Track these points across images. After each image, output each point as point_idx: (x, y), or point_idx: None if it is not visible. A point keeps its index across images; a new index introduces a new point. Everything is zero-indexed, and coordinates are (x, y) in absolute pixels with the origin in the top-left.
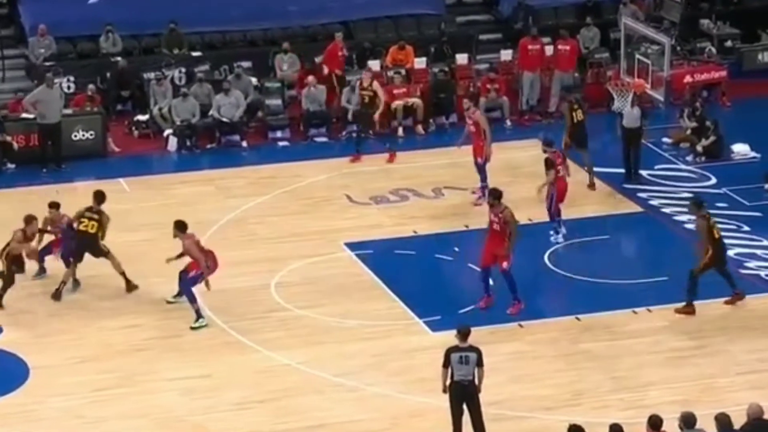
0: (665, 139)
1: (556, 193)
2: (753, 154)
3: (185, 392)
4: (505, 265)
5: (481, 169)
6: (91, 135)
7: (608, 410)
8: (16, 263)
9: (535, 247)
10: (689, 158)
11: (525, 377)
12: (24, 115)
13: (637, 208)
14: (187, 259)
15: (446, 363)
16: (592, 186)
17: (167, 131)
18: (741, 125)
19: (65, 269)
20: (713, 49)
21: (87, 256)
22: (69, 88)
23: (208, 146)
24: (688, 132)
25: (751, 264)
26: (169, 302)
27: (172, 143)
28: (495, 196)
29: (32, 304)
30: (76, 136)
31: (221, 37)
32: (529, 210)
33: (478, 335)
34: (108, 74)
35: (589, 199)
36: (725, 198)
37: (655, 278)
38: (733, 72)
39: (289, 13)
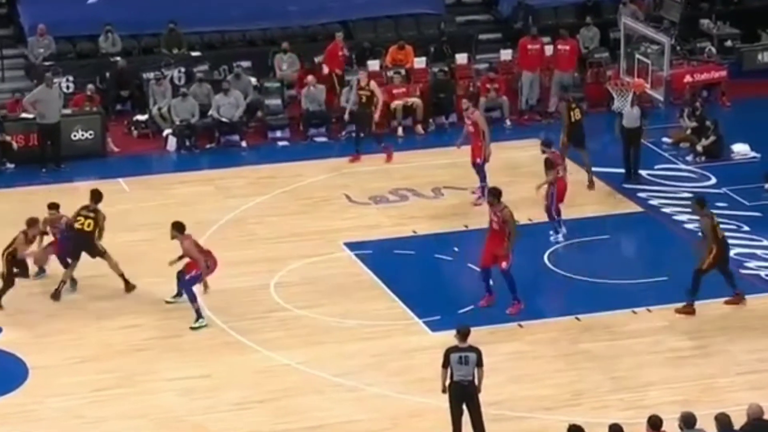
0: (665, 139)
1: (556, 193)
2: (753, 154)
3: (185, 392)
4: (504, 265)
5: (480, 169)
6: (90, 135)
7: (608, 410)
8: (20, 267)
9: (535, 247)
10: (689, 158)
11: (525, 377)
12: (23, 114)
13: (637, 208)
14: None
15: (446, 363)
16: (591, 185)
17: (166, 131)
18: (741, 125)
19: (64, 269)
20: (713, 49)
21: (84, 255)
22: (68, 87)
23: (208, 146)
24: (688, 132)
25: (751, 264)
26: (168, 302)
27: (172, 143)
28: (494, 194)
29: (31, 304)
30: (75, 135)
31: (220, 36)
32: (528, 210)
33: (477, 335)
34: (107, 74)
35: (589, 199)
36: (725, 198)
37: (655, 278)
38: (733, 72)
39: (288, 12)
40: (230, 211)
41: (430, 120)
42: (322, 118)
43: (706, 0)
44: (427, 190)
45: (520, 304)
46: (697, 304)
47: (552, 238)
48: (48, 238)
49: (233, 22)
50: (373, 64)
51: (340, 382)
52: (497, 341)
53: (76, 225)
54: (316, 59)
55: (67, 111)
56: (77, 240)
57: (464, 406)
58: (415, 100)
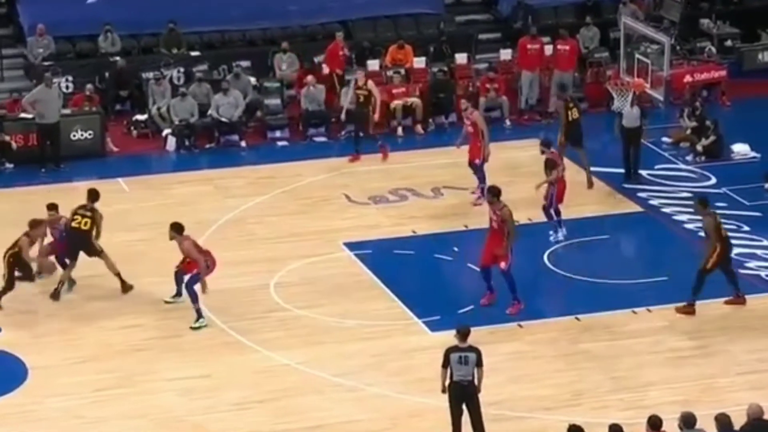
0: (665, 139)
1: (556, 194)
2: (753, 153)
3: (185, 392)
4: (503, 265)
5: (479, 169)
6: (89, 135)
7: (608, 410)
8: (24, 270)
9: (535, 247)
10: (689, 158)
11: (525, 377)
12: (23, 114)
13: (637, 208)
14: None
15: (445, 363)
16: (590, 185)
17: (166, 131)
18: (741, 125)
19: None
20: (713, 49)
21: (83, 256)
22: (67, 87)
23: (207, 146)
24: (688, 132)
25: (751, 264)
26: (167, 302)
27: (171, 143)
28: (493, 193)
29: (31, 304)
30: (74, 135)
31: (220, 36)
32: (528, 210)
33: (477, 335)
34: (107, 74)
35: (589, 198)
36: (725, 198)
37: (655, 278)
38: (733, 72)
39: (288, 12)
40: (230, 211)
41: (430, 120)
42: (321, 118)
43: (706, 0)
44: (426, 190)
45: (520, 304)
46: (697, 304)
47: (552, 238)
48: (47, 239)
49: (233, 21)
50: (373, 64)
51: (340, 382)
52: (497, 341)
53: (73, 224)
54: (316, 59)
55: (67, 111)
56: (74, 239)
57: (464, 406)
58: (415, 100)
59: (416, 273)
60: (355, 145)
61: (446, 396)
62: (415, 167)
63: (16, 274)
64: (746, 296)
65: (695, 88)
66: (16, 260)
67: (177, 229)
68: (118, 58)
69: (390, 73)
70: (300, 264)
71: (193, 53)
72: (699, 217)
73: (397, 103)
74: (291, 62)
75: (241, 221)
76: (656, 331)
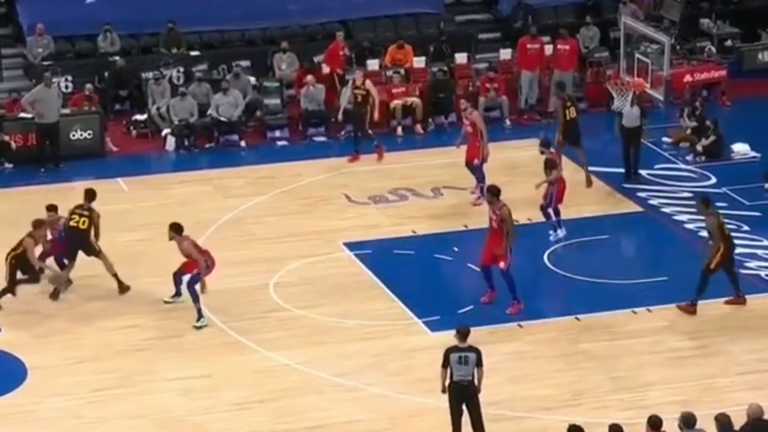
0: (665, 139)
1: (556, 193)
2: (753, 153)
3: (184, 392)
4: (502, 265)
5: (478, 169)
6: (89, 134)
7: (608, 410)
8: (30, 273)
9: (535, 247)
10: (689, 158)
11: (525, 377)
12: (22, 114)
13: (637, 208)
14: (183, 259)
15: (445, 363)
16: (589, 183)
17: (165, 131)
18: (741, 125)
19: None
20: (713, 49)
21: (81, 256)
22: (67, 87)
23: (207, 146)
24: (688, 131)
25: (752, 264)
26: (166, 302)
27: (171, 143)
28: (493, 193)
29: (30, 304)
30: (74, 135)
31: (220, 36)
32: (528, 210)
33: (477, 335)
34: (106, 74)
35: (589, 198)
36: (725, 198)
37: (655, 278)
38: (733, 71)
39: (288, 12)
40: (229, 210)
41: (430, 120)
42: (321, 118)
43: (706, 0)
44: (426, 189)
45: (520, 304)
46: (698, 304)
47: (552, 237)
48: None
49: (232, 21)
50: (373, 64)
51: (340, 382)
52: (497, 341)
53: (71, 223)
54: (316, 59)
55: (66, 111)
56: (72, 238)
57: (464, 406)
58: (415, 100)
59: (416, 273)
60: (355, 145)
61: (446, 396)
62: (414, 167)
63: (23, 276)
64: (746, 296)
65: (695, 87)
66: (19, 262)
67: (176, 229)
68: (117, 57)
69: (390, 72)
70: (300, 264)
71: (193, 53)
72: (699, 217)
73: (396, 103)
74: (291, 62)
75: (241, 221)
76: (656, 331)
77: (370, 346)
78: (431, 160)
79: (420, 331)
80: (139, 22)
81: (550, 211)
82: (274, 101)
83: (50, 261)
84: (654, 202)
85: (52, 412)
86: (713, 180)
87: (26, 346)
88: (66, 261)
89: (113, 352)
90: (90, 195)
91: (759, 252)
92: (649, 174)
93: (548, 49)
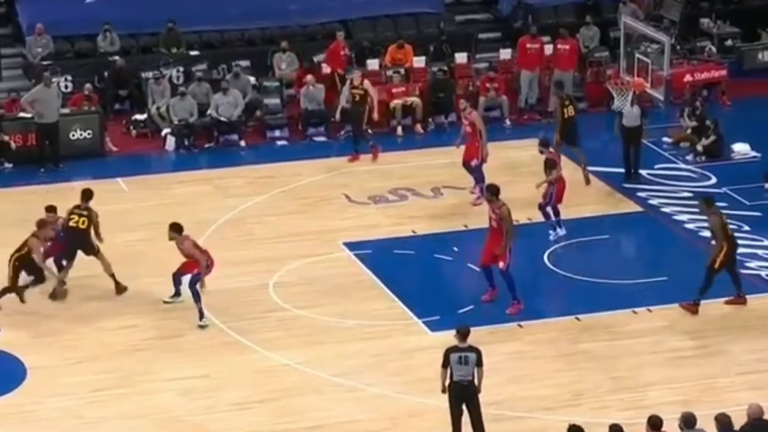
0: (665, 139)
1: (556, 193)
2: (753, 153)
3: (184, 392)
4: (501, 264)
5: (477, 170)
6: (88, 134)
7: (608, 410)
8: (36, 274)
9: (535, 247)
10: (689, 157)
11: (525, 377)
12: (21, 114)
13: (637, 208)
14: (182, 259)
15: (445, 363)
16: (587, 181)
17: (165, 130)
18: (741, 124)
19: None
20: (713, 48)
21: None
22: (66, 87)
23: (206, 145)
24: (688, 131)
25: (752, 264)
26: (165, 302)
27: (170, 143)
28: (492, 192)
29: (29, 304)
30: (73, 135)
31: (219, 36)
32: (528, 210)
33: (477, 335)
34: (106, 73)
35: (589, 198)
36: (725, 197)
37: (655, 278)
38: (734, 71)
39: (287, 12)
40: (229, 210)
41: (430, 119)
42: (321, 118)
43: None
44: (426, 189)
45: (520, 304)
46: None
47: (551, 237)
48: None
49: (232, 21)
50: (373, 64)
51: (340, 382)
52: (497, 341)
53: (71, 224)
54: (316, 58)
55: (66, 110)
56: (72, 238)
57: (464, 406)
58: (415, 100)
59: (416, 273)
60: (355, 145)
61: (446, 396)
62: (414, 167)
63: (29, 278)
64: (747, 296)
65: (695, 87)
66: (23, 263)
67: (176, 229)
68: (117, 57)
69: (390, 72)
70: (299, 264)
71: (193, 53)
72: (699, 217)
73: (396, 103)
74: (290, 62)
75: (241, 221)
76: (656, 331)
77: (370, 346)
78: (431, 160)
79: (420, 331)
80: (139, 22)
81: (549, 209)
82: (273, 101)
83: (49, 261)
84: (654, 201)
85: (52, 412)
86: (713, 180)
87: (26, 346)
88: (65, 261)
89: (113, 352)
90: (87, 195)
91: (759, 252)
92: (649, 174)
93: (548, 49)
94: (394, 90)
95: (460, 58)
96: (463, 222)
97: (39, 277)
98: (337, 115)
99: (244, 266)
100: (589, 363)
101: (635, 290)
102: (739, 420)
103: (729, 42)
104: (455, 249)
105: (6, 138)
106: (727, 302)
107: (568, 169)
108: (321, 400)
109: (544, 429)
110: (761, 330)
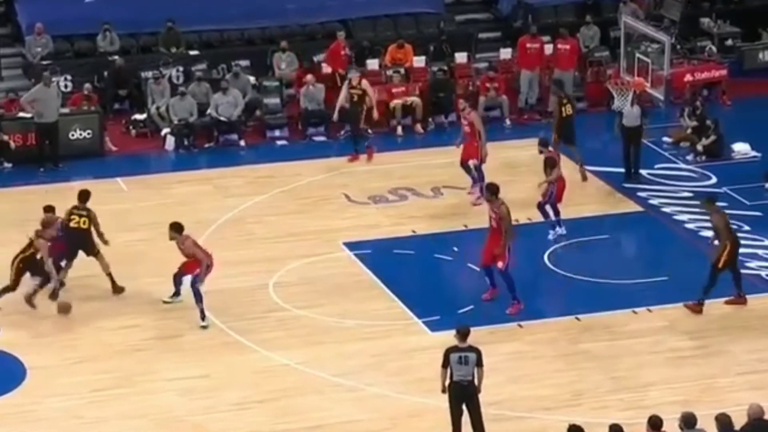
0: (665, 138)
1: (556, 192)
2: (753, 153)
3: (184, 392)
4: (500, 264)
5: (477, 169)
6: (88, 134)
7: (608, 410)
8: (42, 274)
9: (535, 247)
10: (689, 157)
11: (524, 377)
12: (21, 114)
13: (637, 208)
14: (182, 258)
15: (445, 363)
16: (584, 178)
17: (165, 130)
18: (741, 124)
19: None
20: (714, 48)
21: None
22: (66, 87)
23: (206, 145)
24: (689, 131)
25: (752, 264)
26: (165, 302)
27: (170, 142)
28: (492, 191)
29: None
30: (73, 135)
31: (219, 35)
32: (528, 210)
33: (477, 335)
34: (105, 73)
35: (589, 198)
36: (726, 197)
37: (655, 278)
38: (734, 71)
39: (287, 11)
40: (229, 210)
41: (430, 119)
42: (320, 118)
43: None
44: (426, 189)
45: (520, 304)
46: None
47: (551, 236)
48: None
49: (232, 20)
50: (373, 63)
51: (340, 382)
52: (497, 341)
53: (71, 224)
54: (315, 58)
55: (65, 110)
56: (73, 239)
57: (464, 406)
58: (415, 99)
59: (416, 273)
60: (355, 145)
61: (446, 396)
62: (414, 167)
63: (37, 280)
64: (747, 296)
65: (696, 87)
66: (27, 264)
67: (177, 229)
68: (116, 57)
69: (390, 72)
70: (299, 264)
71: (192, 52)
72: (700, 217)
73: (396, 103)
74: (290, 61)
75: (240, 221)
76: (656, 331)
77: (370, 346)
78: (431, 160)
79: (420, 331)
80: (139, 22)
81: (548, 208)
82: (273, 101)
83: (48, 262)
84: (654, 201)
85: (52, 412)
86: (714, 180)
87: (25, 346)
88: (63, 262)
89: (113, 352)
90: (84, 196)
91: (760, 252)
92: (649, 174)
93: (548, 49)
94: (394, 90)
95: (460, 57)
96: (463, 222)
97: (45, 279)
98: (335, 115)
99: (244, 266)
100: (589, 363)
101: (635, 290)
102: (739, 420)
103: (729, 42)
104: (455, 249)
105: (5, 138)
106: (727, 302)
107: (569, 168)
108: (321, 400)
109: (544, 429)
110: (761, 330)
